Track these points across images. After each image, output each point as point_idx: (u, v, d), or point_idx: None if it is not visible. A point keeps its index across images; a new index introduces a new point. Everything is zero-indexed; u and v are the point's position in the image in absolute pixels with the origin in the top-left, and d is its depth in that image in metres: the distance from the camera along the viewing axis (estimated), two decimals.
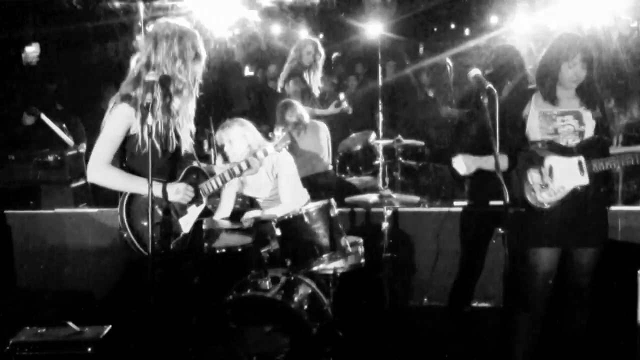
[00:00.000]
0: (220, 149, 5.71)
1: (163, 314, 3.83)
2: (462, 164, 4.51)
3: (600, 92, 4.52)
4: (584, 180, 4.37)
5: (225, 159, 5.66)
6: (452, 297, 6.41)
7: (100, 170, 3.91)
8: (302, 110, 7.05)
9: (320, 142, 7.22)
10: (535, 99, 4.51)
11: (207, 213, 4.23)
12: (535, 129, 4.47)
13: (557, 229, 4.44)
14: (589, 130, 4.42)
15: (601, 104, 4.50)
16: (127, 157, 4.00)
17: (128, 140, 3.96)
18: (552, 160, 4.44)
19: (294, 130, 6.94)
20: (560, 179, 4.41)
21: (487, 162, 4.51)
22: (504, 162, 4.52)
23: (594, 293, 4.62)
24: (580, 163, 4.36)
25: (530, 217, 4.51)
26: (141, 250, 3.92)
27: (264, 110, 9.78)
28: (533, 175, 4.48)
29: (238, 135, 5.60)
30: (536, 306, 4.53)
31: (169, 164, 4.07)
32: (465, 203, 6.73)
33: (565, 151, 4.41)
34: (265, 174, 5.70)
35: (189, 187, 4.02)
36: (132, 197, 3.97)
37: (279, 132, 4.59)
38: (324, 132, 7.31)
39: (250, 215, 5.66)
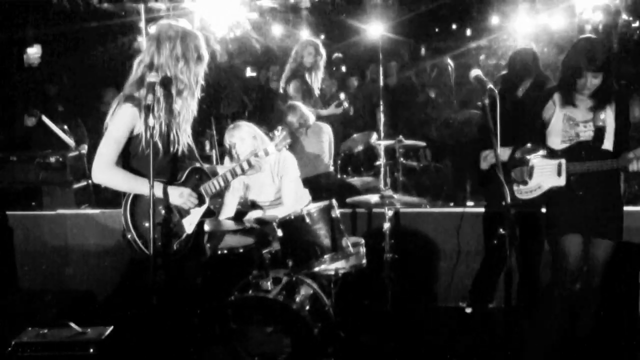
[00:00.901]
0: (228, 151, 5.71)
1: (165, 315, 3.83)
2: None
3: (616, 94, 4.59)
4: (560, 181, 4.57)
5: (233, 160, 5.66)
6: (473, 296, 6.37)
7: (105, 171, 3.91)
8: (305, 112, 7.05)
9: (322, 143, 7.22)
10: (558, 100, 4.58)
11: (210, 213, 4.23)
12: (558, 131, 4.57)
13: (581, 217, 4.58)
14: (609, 137, 4.54)
15: (620, 108, 4.57)
16: (130, 157, 4.00)
17: (131, 141, 3.95)
18: (535, 161, 4.61)
19: (297, 132, 6.95)
20: (538, 178, 4.59)
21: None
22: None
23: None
24: (559, 165, 4.49)
25: (557, 208, 4.67)
26: (144, 251, 3.91)
27: (263, 111, 9.79)
28: (515, 173, 4.66)
29: (248, 135, 5.61)
30: (574, 286, 4.60)
31: (171, 165, 4.06)
32: (470, 204, 6.75)
33: (550, 153, 4.52)
34: (270, 175, 5.71)
35: (193, 193, 4.02)
36: (137, 198, 3.96)
37: (278, 132, 4.58)
38: (327, 133, 7.31)
39: (252, 215, 5.67)
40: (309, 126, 7.03)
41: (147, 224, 3.90)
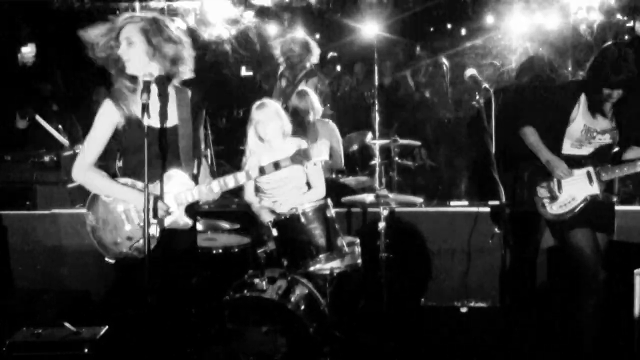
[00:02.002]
0: (253, 128, 5.59)
1: (160, 315, 3.80)
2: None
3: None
4: (594, 189, 4.57)
5: (260, 139, 5.57)
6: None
7: (82, 173, 3.94)
8: (313, 103, 6.99)
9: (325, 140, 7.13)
10: (583, 105, 4.56)
11: (182, 222, 3.97)
12: (572, 136, 4.63)
13: (581, 214, 4.60)
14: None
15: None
16: (121, 154, 3.97)
17: (121, 137, 3.94)
18: None
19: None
20: (569, 190, 4.54)
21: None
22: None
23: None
24: (589, 173, 4.50)
25: None
26: (101, 252, 3.98)
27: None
28: (541, 191, 4.62)
29: (274, 115, 5.57)
30: (599, 275, 4.59)
31: (159, 163, 3.97)
32: (461, 203, 6.75)
33: (574, 162, 4.53)
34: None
35: (163, 204, 3.87)
36: (94, 199, 3.99)
37: (319, 143, 4.10)
38: (328, 131, 7.20)
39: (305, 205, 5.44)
40: (309, 121, 6.96)
41: (103, 228, 3.95)
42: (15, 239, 6.76)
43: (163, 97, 3.93)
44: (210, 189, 3.93)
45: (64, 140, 8.20)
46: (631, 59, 4.37)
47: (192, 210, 4.07)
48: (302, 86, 7.71)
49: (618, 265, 4.92)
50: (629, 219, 5.92)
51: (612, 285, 4.95)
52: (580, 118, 4.55)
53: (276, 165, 3.97)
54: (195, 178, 4.07)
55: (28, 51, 10.75)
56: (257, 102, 5.69)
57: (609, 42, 4.61)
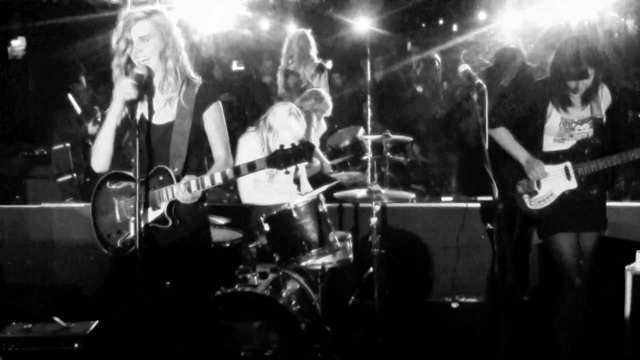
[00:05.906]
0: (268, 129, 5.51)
1: (151, 310, 3.78)
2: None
3: (607, 92, 4.67)
4: (571, 184, 4.61)
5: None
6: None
7: None
8: (323, 106, 6.98)
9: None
10: (553, 102, 4.59)
11: (163, 222, 3.84)
12: (553, 132, 4.64)
13: (568, 216, 4.62)
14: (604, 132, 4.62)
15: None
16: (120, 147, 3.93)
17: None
18: None
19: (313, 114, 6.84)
20: (547, 186, 4.61)
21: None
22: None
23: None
24: (566, 169, 4.55)
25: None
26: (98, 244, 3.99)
27: (253, 105, 9.75)
28: (519, 186, 4.69)
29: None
30: (575, 281, 4.65)
31: (143, 160, 3.92)
32: (450, 198, 6.76)
33: (551, 158, 4.55)
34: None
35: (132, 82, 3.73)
36: (99, 189, 3.96)
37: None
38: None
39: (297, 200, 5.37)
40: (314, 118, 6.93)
41: (100, 217, 3.97)
42: (5, 234, 6.73)
43: (150, 90, 3.88)
44: (187, 189, 3.73)
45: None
46: (586, 48, 4.40)
47: (182, 209, 3.91)
48: (315, 82, 7.68)
49: (609, 261, 4.93)
50: (620, 216, 5.93)
51: (602, 281, 4.98)
52: (555, 112, 4.58)
53: (251, 167, 3.68)
54: (181, 176, 3.87)
55: (18, 44, 10.71)
56: (289, 109, 5.54)
57: (566, 37, 4.64)
